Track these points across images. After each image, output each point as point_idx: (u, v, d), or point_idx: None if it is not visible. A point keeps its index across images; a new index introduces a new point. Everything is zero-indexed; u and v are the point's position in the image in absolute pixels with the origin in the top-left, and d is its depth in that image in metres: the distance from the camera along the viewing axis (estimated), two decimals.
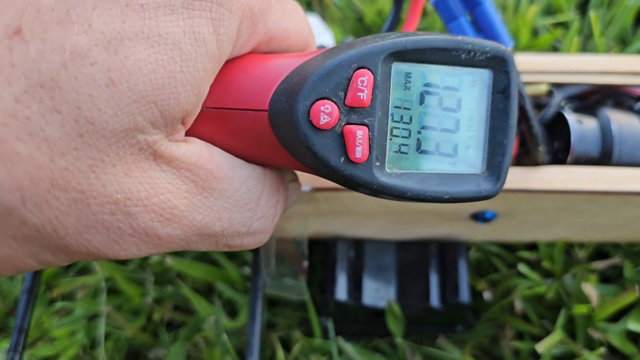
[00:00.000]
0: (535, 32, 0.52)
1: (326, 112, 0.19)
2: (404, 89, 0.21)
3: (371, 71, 0.20)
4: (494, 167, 0.22)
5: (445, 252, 0.39)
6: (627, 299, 0.38)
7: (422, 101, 0.21)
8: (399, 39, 0.20)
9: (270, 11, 0.21)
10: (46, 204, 0.18)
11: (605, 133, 0.33)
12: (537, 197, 0.32)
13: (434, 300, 0.38)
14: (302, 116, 0.20)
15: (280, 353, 0.39)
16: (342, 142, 0.20)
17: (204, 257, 0.43)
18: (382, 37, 0.21)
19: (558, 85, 0.36)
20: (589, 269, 0.41)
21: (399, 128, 0.21)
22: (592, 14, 0.48)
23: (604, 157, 0.33)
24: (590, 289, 0.39)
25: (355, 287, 0.38)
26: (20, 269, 0.20)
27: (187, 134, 0.21)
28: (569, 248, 0.42)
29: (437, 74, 0.21)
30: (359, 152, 0.20)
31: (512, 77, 0.22)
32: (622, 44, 0.50)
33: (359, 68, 0.20)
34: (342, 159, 0.20)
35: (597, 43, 0.48)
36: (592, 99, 0.36)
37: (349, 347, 0.38)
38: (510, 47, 0.28)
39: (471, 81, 0.22)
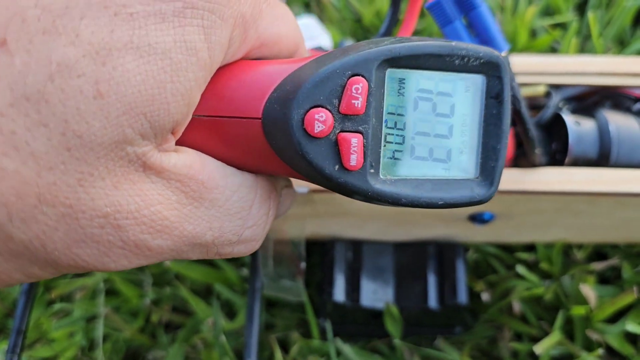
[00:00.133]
0: (533, 33, 0.52)
1: (320, 120, 0.19)
2: (398, 95, 0.21)
3: (365, 78, 0.20)
4: (488, 172, 0.22)
5: (443, 253, 0.39)
6: (626, 300, 0.38)
7: (415, 107, 0.21)
8: (393, 45, 0.20)
9: (261, 16, 0.21)
10: (33, 219, 0.17)
11: (603, 134, 0.33)
12: (535, 198, 0.32)
13: (432, 301, 0.38)
14: (296, 124, 0.19)
15: (278, 354, 0.39)
16: (337, 150, 0.20)
17: (202, 259, 0.43)
18: (375, 43, 0.20)
19: (556, 87, 0.36)
20: (587, 270, 0.41)
21: (392, 134, 0.21)
22: (591, 15, 0.48)
23: (602, 158, 0.33)
24: (589, 290, 0.39)
25: (353, 289, 0.38)
26: (7, 283, 0.19)
27: (178, 142, 0.20)
28: (567, 249, 0.42)
29: (431, 79, 0.21)
30: (354, 159, 0.20)
31: (505, 82, 0.22)
32: (621, 44, 0.50)
33: (353, 75, 0.20)
34: (337, 166, 0.20)
35: (596, 44, 0.48)
36: (590, 100, 0.36)
37: (347, 349, 0.38)
38: (506, 51, 0.28)
39: (464, 87, 0.22)
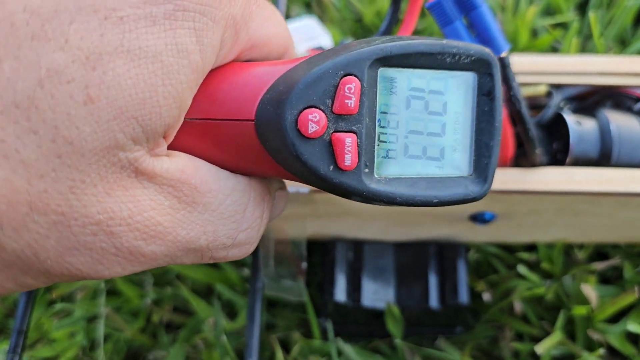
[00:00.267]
0: (534, 33, 0.52)
1: (314, 121, 0.19)
2: (391, 94, 0.21)
3: (358, 78, 0.20)
4: (481, 169, 0.22)
5: (445, 253, 0.39)
6: (627, 300, 0.38)
7: (408, 106, 0.21)
8: (384, 45, 0.20)
9: (251, 18, 0.21)
10: (25, 228, 0.17)
11: (605, 134, 0.33)
12: (536, 198, 0.32)
13: (433, 301, 0.38)
14: (290, 125, 0.19)
15: (279, 354, 0.39)
16: (331, 150, 0.20)
17: None
18: (367, 42, 0.20)
19: (557, 86, 0.36)
20: (589, 270, 0.41)
21: (386, 133, 0.21)
22: (592, 15, 0.48)
23: (603, 158, 0.33)
24: (590, 290, 0.39)
25: (355, 289, 0.38)
26: None
27: (170, 146, 0.20)
28: (568, 249, 0.42)
29: (423, 78, 0.21)
30: (348, 159, 0.20)
31: (496, 79, 0.22)
32: (622, 44, 0.50)
33: (345, 75, 0.20)
34: (331, 167, 0.20)
35: (597, 44, 0.48)
36: (591, 99, 0.36)
37: (348, 348, 0.38)
38: (507, 51, 0.28)
39: (456, 84, 0.22)
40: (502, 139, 0.32)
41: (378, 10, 0.53)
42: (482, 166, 0.22)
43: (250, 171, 0.22)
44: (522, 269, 0.40)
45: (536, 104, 0.35)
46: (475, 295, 0.41)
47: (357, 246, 0.39)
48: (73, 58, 0.17)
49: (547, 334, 0.39)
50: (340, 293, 0.38)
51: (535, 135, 0.31)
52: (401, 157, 0.22)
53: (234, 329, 0.40)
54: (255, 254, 0.33)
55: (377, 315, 0.38)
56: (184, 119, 0.20)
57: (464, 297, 0.37)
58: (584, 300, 0.39)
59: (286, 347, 0.40)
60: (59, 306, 0.42)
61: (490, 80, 0.22)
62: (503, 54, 0.28)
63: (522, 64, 0.35)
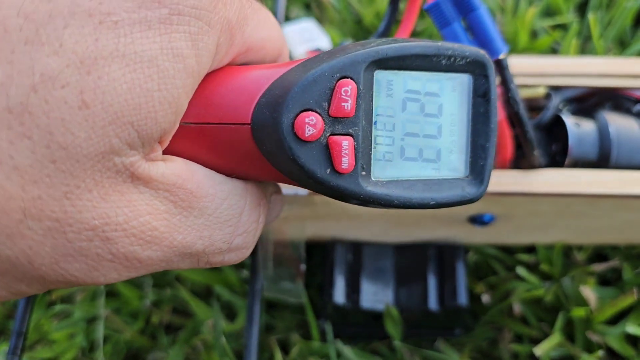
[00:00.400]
0: (534, 34, 0.52)
1: (311, 124, 0.19)
2: (387, 97, 0.21)
3: (354, 80, 0.20)
4: (478, 171, 0.23)
5: (444, 255, 0.39)
6: (626, 301, 0.38)
7: (404, 108, 0.21)
8: (380, 47, 0.20)
9: (246, 22, 0.21)
10: (19, 234, 0.17)
11: (603, 136, 0.33)
12: (535, 200, 0.32)
13: (432, 303, 0.38)
14: (286, 129, 0.19)
15: (278, 356, 0.39)
16: (328, 153, 0.20)
17: None
18: (362, 45, 0.20)
19: (556, 88, 0.35)
20: (588, 272, 0.41)
21: (382, 136, 0.21)
22: (591, 16, 0.48)
23: (602, 159, 0.33)
24: (589, 292, 0.39)
25: (354, 290, 0.38)
26: None
27: (166, 151, 0.20)
28: (567, 251, 0.42)
29: (418, 80, 0.21)
30: (345, 162, 0.20)
31: (491, 81, 0.22)
32: (621, 45, 0.50)
33: (341, 78, 0.20)
34: (328, 170, 0.20)
35: (596, 45, 0.48)
36: (590, 101, 0.36)
37: (347, 350, 0.38)
38: (505, 53, 0.28)
39: (452, 86, 0.22)
40: (501, 140, 0.32)
41: (377, 11, 0.53)
42: (478, 168, 0.23)
43: (247, 175, 0.22)
44: (521, 270, 0.40)
45: (535, 106, 0.35)
46: (474, 297, 0.41)
47: (356, 248, 0.39)
48: (67, 62, 0.16)
49: (546, 335, 0.39)
50: (340, 295, 0.38)
51: (533, 137, 0.31)
52: (398, 160, 0.22)
53: (233, 331, 0.40)
54: (254, 255, 0.33)
55: (376, 317, 0.38)
56: (180, 123, 0.20)
57: (463, 298, 0.37)
58: (583, 302, 0.39)
59: (285, 349, 0.40)
60: (58, 307, 0.42)
61: (485, 82, 0.22)
62: (501, 56, 0.28)
63: (521, 65, 0.35)
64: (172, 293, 0.42)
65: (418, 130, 0.22)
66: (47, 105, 0.16)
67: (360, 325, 0.39)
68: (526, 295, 0.39)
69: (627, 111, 0.35)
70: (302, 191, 0.32)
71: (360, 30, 0.53)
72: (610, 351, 0.39)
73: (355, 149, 0.20)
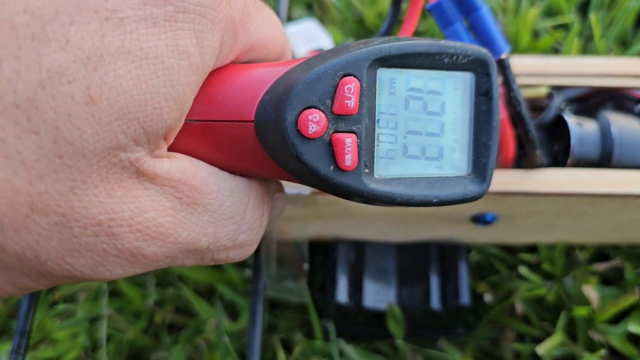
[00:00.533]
0: (535, 34, 0.52)
1: (314, 121, 0.19)
2: (389, 95, 0.21)
3: (357, 78, 0.20)
4: (480, 169, 0.23)
5: (446, 254, 0.39)
6: (628, 300, 0.38)
7: (407, 106, 0.21)
8: (383, 45, 0.20)
9: (250, 20, 0.21)
10: (26, 229, 0.17)
11: (605, 135, 0.33)
12: (537, 199, 0.32)
13: (435, 302, 0.38)
14: (290, 126, 0.19)
15: (281, 355, 0.39)
16: (331, 151, 0.20)
17: None
18: (365, 43, 0.21)
19: (558, 88, 0.36)
20: (590, 271, 0.41)
21: (385, 134, 0.21)
22: (593, 16, 0.48)
23: (604, 159, 0.33)
24: (591, 291, 0.39)
25: (356, 290, 0.38)
26: None
27: (170, 148, 0.20)
28: (569, 250, 0.42)
29: (421, 78, 0.22)
30: (349, 159, 0.20)
31: (493, 79, 0.22)
32: (623, 45, 0.50)
33: (345, 75, 0.20)
34: (332, 167, 0.20)
35: (598, 45, 0.48)
36: (592, 101, 0.36)
37: (349, 349, 0.38)
38: (507, 53, 0.28)
39: (454, 85, 0.22)
40: (503, 140, 0.32)
41: (379, 11, 0.53)
42: (480, 166, 0.23)
43: (250, 173, 0.23)
44: (523, 270, 0.40)
45: (537, 106, 0.36)
46: (476, 296, 0.41)
47: (359, 247, 0.39)
48: (74, 58, 0.16)
49: (548, 334, 0.39)
50: (342, 294, 0.38)
51: (535, 136, 0.31)
52: (400, 157, 0.22)
53: (236, 330, 0.40)
54: (257, 255, 0.33)
55: (378, 316, 0.38)
56: (184, 120, 0.20)
57: (465, 298, 0.37)
58: (585, 301, 0.39)
59: (288, 348, 0.40)
60: (61, 307, 0.42)
61: (487, 80, 0.22)
62: (503, 56, 0.28)
63: (523, 65, 0.35)
64: (175, 292, 0.42)
65: (421, 128, 0.22)
66: (54, 101, 0.16)
67: (362, 325, 0.39)
68: (528, 294, 0.40)
69: (629, 111, 0.35)
70: (305, 191, 0.32)
71: (362, 31, 0.54)
72: (612, 350, 0.39)
73: (358, 147, 0.20)
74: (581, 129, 0.33)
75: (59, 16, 0.17)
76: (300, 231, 0.36)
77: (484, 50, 0.22)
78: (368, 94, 0.20)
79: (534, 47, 0.49)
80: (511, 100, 0.30)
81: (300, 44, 0.40)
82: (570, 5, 0.52)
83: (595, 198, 0.32)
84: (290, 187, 0.31)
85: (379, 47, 0.20)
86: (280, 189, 0.26)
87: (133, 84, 0.17)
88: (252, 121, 0.21)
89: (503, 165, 0.33)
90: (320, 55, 0.21)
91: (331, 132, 0.20)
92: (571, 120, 0.33)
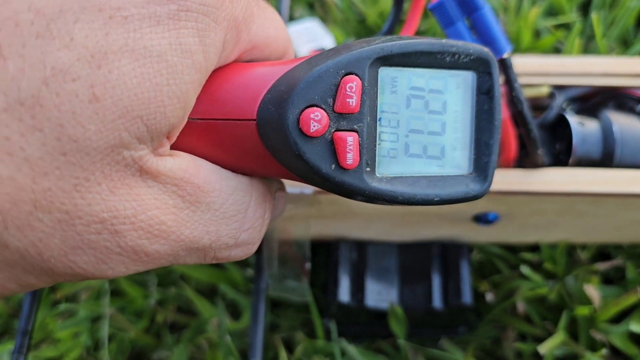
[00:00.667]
0: (537, 34, 0.52)
1: (316, 120, 0.19)
2: (391, 93, 0.21)
3: (359, 77, 0.20)
4: (481, 168, 0.23)
5: (448, 253, 0.39)
6: (630, 300, 0.38)
7: (408, 105, 0.22)
8: (385, 44, 0.20)
9: (252, 20, 0.21)
10: (29, 226, 0.17)
11: (607, 135, 0.33)
12: (539, 199, 0.32)
13: (437, 301, 0.38)
14: (292, 124, 0.19)
15: (283, 354, 0.39)
16: (333, 149, 0.20)
17: None
18: (367, 42, 0.21)
19: (560, 87, 0.36)
20: (591, 271, 0.41)
21: (387, 132, 0.21)
22: (594, 16, 0.48)
23: (606, 159, 0.33)
24: (593, 291, 0.39)
25: (358, 289, 0.38)
26: (0, 294, 0.19)
27: (173, 146, 0.20)
28: (571, 249, 0.42)
29: (422, 77, 0.22)
30: (350, 158, 0.20)
31: (495, 78, 0.22)
32: (624, 45, 0.50)
33: (346, 74, 0.20)
34: (333, 166, 0.20)
35: (599, 44, 0.48)
36: (593, 100, 0.36)
37: (351, 349, 0.38)
38: (509, 52, 0.28)
39: (455, 83, 0.22)
40: (505, 140, 0.32)
41: (381, 11, 0.53)
42: (482, 165, 0.23)
43: (252, 171, 0.23)
44: (525, 269, 0.40)
45: (539, 105, 0.36)
46: (478, 295, 0.41)
47: (361, 247, 0.39)
48: (78, 56, 0.17)
49: (550, 334, 0.39)
50: (344, 293, 0.38)
51: (537, 136, 0.31)
52: (402, 156, 0.22)
53: (237, 329, 0.40)
54: (259, 254, 0.33)
55: (380, 316, 0.38)
56: (187, 119, 0.20)
57: (467, 297, 0.37)
58: (586, 301, 0.39)
59: (290, 348, 0.40)
60: (63, 306, 0.42)
61: (489, 79, 0.22)
62: (505, 55, 0.28)
63: (524, 65, 0.35)
64: (177, 292, 0.42)
65: (422, 127, 0.22)
66: (58, 99, 0.16)
67: (364, 324, 0.39)
68: (530, 293, 0.40)
69: (630, 110, 0.35)
70: (308, 190, 0.32)
71: (364, 30, 0.54)
72: (614, 350, 0.39)
73: (360, 145, 0.20)
74: (583, 129, 0.33)
75: (63, 14, 0.17)
76: (303, 230, 0.36)
77: (485, 49, 0.22)
78: (370, 93, 0.20)
79: (535, 47, 0.49)
80: (513, 100, 0.30)
81: (302, 43, 0.40)
82: (572, 4, 0.52)
83: (597, 197, 0.32)
84: (293, 187, 0.31)
85: (380, 45, 0.20)
86: (282, 187, 0.26)
87: (137, 82, 0.17)
88: (254, 120, 0.21)
89: (505, 165, 0.33)
90: (322, 54, 0.21)
91: (333, 130, 0.20)
92: (573, 119, 0.33)
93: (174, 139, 0.20)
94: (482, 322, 0.40)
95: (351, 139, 0.20)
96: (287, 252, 0.36)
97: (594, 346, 0.38)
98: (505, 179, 0.32)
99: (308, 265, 0.36)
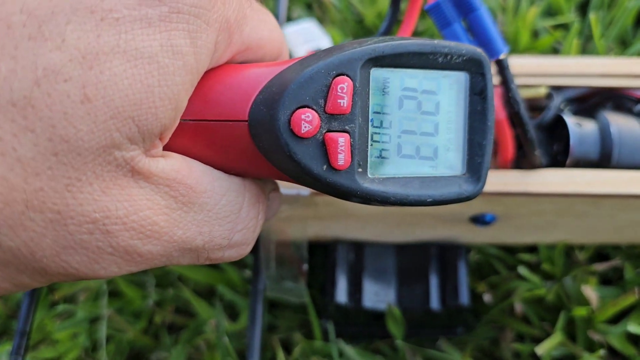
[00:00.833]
0: (535, 34, 0.52)
1: (307, 121, 0.19)
2: (383, 94, 0.21)
3: (350, 77, 0.20)
4: (474, 168, 0.23)
5: (445, 254, 0.39)
6: (627, 300, 0.38)
7: (401, 106, 0.22)
8: (376, 45, 0.20)
9: (245, 21, 0.21)
10: (21, 226, 0.17)
11: (605, 136, 0.33)
12: (536, 200, 0.32)
13: (434, 302, 0.38)
14: (283, 125, 0.19)
15: (281, 355, 0.39)
16: (324, 150, 0.20)
17: None
18: (359, 43, 0.21)
19: (557, 88, 0.36)
20: (589, 271, 0.41)
21: (379, 133, 0.21)
22: (592, 16, 0.48)
23: (603, 159, 0.33)
24: (590, 291, 0.39)
25: (356, 290, 0.38)
26: None
27: (165, 147, 0.20)
28: (569, 250, 0.42)
29: (415, 78, 0.22)
30: (341, 159, 0.20)
31: (488, 79, 0.22)
32: (623, 45, 0.50)
33: (338, 75, 0.20)
34: (325, 166, 0.20)
35: (597, 45, 0.48)
36: (591, 101, 0.36)
37: (349, 350, 0.38)
38: (505, 53, 0.28)
39: (448, 84, 0.22)
40: (502, 141, 0.32)
41: (379, 11, 0.53)
42: (475, 165, 0.23)
43: (245, 172, 0.23)
44: (522, 270, 0.40)
45: (536, 106, 0.35)
46: (476, 296, 0.41)
47: (358, 248, 0.39)
48: (70, 57, 0.17)
49: (547, 334, 0.39)
50: (342, 294, 0.38)
51: (534, 136, 0.31)
52: (395, 157, 0.22)
53: (235, 330, 0.40)
54: (256, 255, 0.33)
55: (378, 317, 0.38)
56: (179, 120, 0.20)
57: (464, 298, 0.37)
58: (584, 301, 0.39)
59: (287, 348, 0.40)
60: (61, 307, 0.42)
61: (482, 80, 0.22)
62: (502, 56, 0.28)
63: (522, 65, 0.35)
64: (175, 293, 0.42)
65: (415, 128, 0.22)
66: (50, 99, 0.17)
67: (362, 325, 0.39)
68: (528, 294, 0.40)
69: (628, 111, 0.35)
70: (304, 191, 0.32)
71: (362, 31, 0.54)
72: (611, 350, 0.39)
73: (351, 146, 0.20)
74: (580, 129, 0.33)
75: (55, 16, 0.17)
76: (300, 232, 0.36)
77: (478, 50, 0.22)
78: (361, 94, 0.20)
79: (533, 47, 0.49)
80: (510, 101, 0.30)
81: (299, 43, 0.40)
82: (570, 5, 0.52)
83: (595, 198, 0.32)
84: (289, 188, 0.31)
85: (372, 46, 0.20)
86: (276, 188, 0.26)
87: (128, 83, 0.17)
88: (246, 121, 0.21)
89: (502, 166, 0.33)
90: (315, 55, 0.21)
91: (324, 131, 0.20)
92: (570, 120, 0.33)
93: (166, 140, 0.20)
94: (480, 323, 0.40)
95: (342, 139, 0.20)
96: (285, 253, 0.36)
97: (591, 347, 0.38)
98: (503, 180, 0.32)
99: (305, 267, 0.36)
